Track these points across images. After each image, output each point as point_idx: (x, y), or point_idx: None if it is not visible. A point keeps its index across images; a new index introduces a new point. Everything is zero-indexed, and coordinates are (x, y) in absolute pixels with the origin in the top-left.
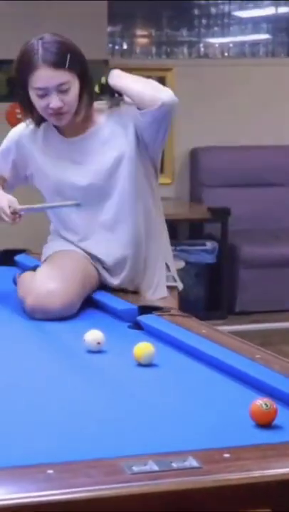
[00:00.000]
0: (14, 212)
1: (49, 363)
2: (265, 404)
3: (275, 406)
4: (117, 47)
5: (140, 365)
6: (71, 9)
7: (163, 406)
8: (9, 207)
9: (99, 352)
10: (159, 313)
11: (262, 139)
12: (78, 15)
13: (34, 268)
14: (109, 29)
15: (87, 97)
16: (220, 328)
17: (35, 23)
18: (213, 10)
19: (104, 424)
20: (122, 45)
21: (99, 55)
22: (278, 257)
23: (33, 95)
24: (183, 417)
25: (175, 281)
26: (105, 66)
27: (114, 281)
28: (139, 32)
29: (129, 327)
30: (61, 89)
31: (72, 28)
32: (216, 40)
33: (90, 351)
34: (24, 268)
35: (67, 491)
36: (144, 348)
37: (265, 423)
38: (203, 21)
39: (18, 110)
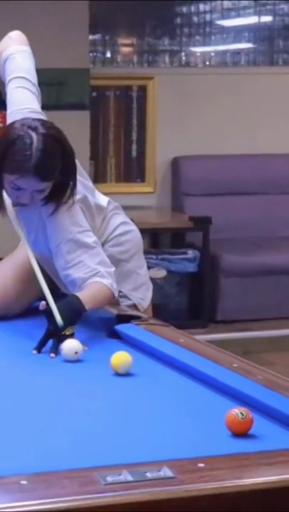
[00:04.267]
0: None
1: (25, 372)
2: (241, 413)
3: (251, 415)
4: (98, 55)
5: (117, 374)
6: (52, 17)
7: (139, 416)
8: None
9: (76, 361)
10: (136, 322)
11: (243, 148)
12: (60, 23)
13: None
14: (90, 38)
15: (57, 197)
16: (201, 336)
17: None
18: (195, 19)
19: (79, 435)
20: (103, 54)
21: (80, 64)
22: (260, 266)
23: (6, 181)
24: (158, 426)
25: (130, 300)
26: (87, 75)
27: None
28: (120, 41)
29: (106, 336)
30: (37, 192)
31: (54, 36)
32: (197, 49)
33: (67, 361)
34: None
35: (41, 501)
36: (121, 357)
37: (241, 432)
38: (185, 30)
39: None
